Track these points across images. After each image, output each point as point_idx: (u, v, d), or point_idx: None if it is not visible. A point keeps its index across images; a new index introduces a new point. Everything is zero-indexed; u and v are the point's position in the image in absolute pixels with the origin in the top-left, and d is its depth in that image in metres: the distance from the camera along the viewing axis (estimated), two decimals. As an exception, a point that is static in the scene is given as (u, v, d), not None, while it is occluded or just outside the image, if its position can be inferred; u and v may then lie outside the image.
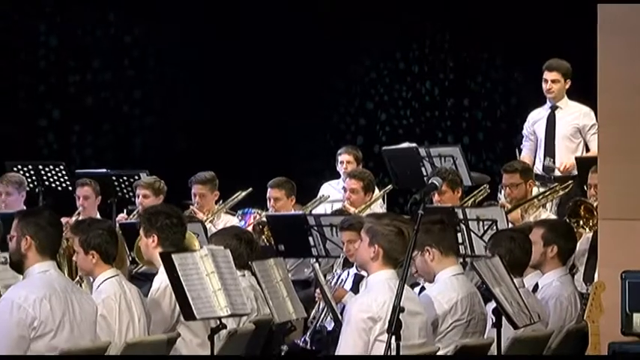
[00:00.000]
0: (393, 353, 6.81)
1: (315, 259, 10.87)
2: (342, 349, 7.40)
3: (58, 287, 7.58)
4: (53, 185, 14.56)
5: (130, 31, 17.68)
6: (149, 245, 8.55)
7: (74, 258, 8.36)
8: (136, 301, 8.15)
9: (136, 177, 13.49)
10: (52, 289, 7.53)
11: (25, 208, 12.57)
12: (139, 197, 12.63)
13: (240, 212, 12.62)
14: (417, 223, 7.22)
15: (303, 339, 9.84)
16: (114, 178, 14.00)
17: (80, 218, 11.80)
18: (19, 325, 7.39)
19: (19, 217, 7.85)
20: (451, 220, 8.92)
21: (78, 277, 8.54)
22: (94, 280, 8.23)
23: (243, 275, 8.58)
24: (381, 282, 7.42)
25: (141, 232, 8.62)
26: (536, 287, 8.72)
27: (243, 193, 12.73)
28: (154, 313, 8.27)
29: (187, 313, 7.91)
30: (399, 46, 17.16)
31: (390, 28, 16.86)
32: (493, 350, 7.67)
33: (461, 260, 8.80)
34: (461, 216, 10.19)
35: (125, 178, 13.93)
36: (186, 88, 16.88)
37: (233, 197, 12.72)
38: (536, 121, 12.53)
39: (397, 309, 6.83)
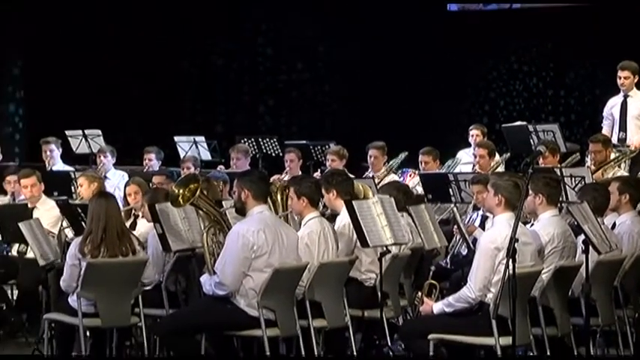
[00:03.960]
0: (511, 273, 6.71)
1: (453, 204, 10.76)
2: (474, 270, 7.27)
3: (270, 222, 7.63)
4: (269, 152, 14.66)
5: (322, 42, 17.75)
6: (330, 198, 8.51)
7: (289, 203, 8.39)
8: (330, 234, 8.14)
9: (327, 146, 13.49)
10: (266, 223, 7.58)
11: (249, 169, 12.70)
12: (328, 161, 12.61)
13: (400, 171, 12.57)
14: (527, 178, 7.14)
15: (444, 261, 9.76)
16: (311, 147, 14.04)
17: (288, 176, 11.84)
18: (243, 248, 7.45)
19: (238, 177, 7.96)
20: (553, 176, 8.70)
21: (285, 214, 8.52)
22: (301, 219, 8.23)
23: (402, 215, 8.52)
24: (503, 221, 7.29)
25: (322, 190, 8.60)
26: (614, 225, 8.51)
27: (402, 156, 12.65)
28: (340, 242, 8.27)
29: (363, 241, 7.93)
30: (513, 52, 17.01)
31: (506, 39, 16.73)
32: (582, 270, 7.53)
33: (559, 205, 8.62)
34: (559, 174, 10.01)
35: (319, 147, 13.95)
36: (363, 83, 16.87)
37: (394, 161, 12.64)
38: (612, 105, 12.25)
39: (513, 240, 6.73)
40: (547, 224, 7.80)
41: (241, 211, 7.72)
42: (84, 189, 10.02)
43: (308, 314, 7.74)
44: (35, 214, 9.90)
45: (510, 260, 6.67)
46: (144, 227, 9.01)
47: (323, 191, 8.51)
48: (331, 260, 8.05)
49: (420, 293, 7.99)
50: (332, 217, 8.75)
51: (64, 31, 17.25)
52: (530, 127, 12.52)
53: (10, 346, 9.69)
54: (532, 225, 7.98)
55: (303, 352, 7.67)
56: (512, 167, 13.17)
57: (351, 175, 9.85)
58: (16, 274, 10.03)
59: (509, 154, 12.65)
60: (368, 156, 12.50)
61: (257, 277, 7.47)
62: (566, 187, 9.95)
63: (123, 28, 17.21)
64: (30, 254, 9.39)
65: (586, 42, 15.90)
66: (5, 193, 11.01)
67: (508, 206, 7.35)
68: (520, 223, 7.03)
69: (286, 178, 11.31)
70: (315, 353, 7.75)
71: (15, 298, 10.20)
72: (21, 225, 8.81)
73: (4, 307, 10.05)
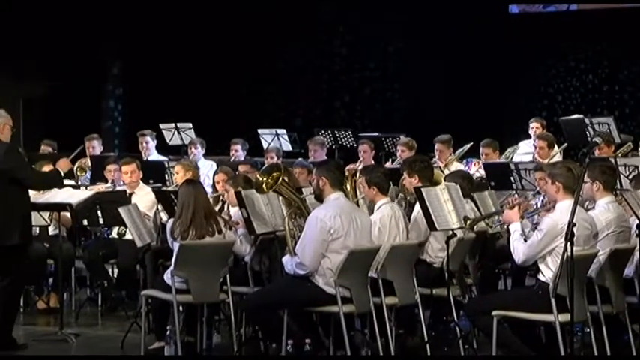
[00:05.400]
0: (568, 254, 6.61)
1: (514, 191, 10.65)
2: (534, 247, 7.16)
3: (346, 208, 7.61)
4: (344, 144, 14.64)
5: (392, 44, 17.71)
6: (412, 182, 8.43)
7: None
8: (401, 219, 8.10)
9: (397, 138, 13.41)
10: (342, 209, 7.56)
11: (326, 159, 12.68)
12: (399, 152, 12.55)
13: (465, 161, 12.47)
14: (585, 167, 7.04)
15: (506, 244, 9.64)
16: (383, 139, 13.97)
17: (362, 166, 11.79)
18: (321, 232, 7.44)
19: (316, 167, 7.99)
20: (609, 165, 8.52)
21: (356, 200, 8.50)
22: (373, 205, 8.19)
23: (467, 201, 8.44)
24: (564, 208, 7.14)
25: (405, 174, 8.56)
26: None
27: (467, 147, 12.53)
28: (416, 227, 8.23)
29: (431, 225, 7.88)
30: (570, 51, 16.85)
31: (563, 39, 16.56)
32: (636, 252, 7.40)
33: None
34: (613, 163, 9.86)
35: (390, 139, 13.88)
36: (430, 80, 16.78)
37: (460, 150, 12.53)
38: (664, 99, 12.10)
39: (571, 224, 6.62)
40: (604, 210, 7.65)
41: (319, 197, 7.72)
42: (180, 177, 10.07)
43: (381, 292, 7.71)
44: (133, 199, 9.99)
45: (568, 243, 6.57)
46: (232, 213, 9.04)
47: (405, 176, 8.47)
48: (402, 243, 8.02)
49: (512, 200, 7.70)
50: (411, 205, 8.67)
51: (159, 34, 17.43)
52: (587, 120, 12.37)
53: (111, 319, 9.82)
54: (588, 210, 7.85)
55: (376, 327, 7.66)
56: (570, 157, 13.04)
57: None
58: (116, 254, 10.15)
59: (565, 144, 12.51)
60: (435, 149, 12.43)
61: (334, 258, 7.46)
62: (620, 175, 9.80)
63: (212, 31, 17.35)
64: (128, 236, 9.49)
65: (638, 41, 15.67)
66: (106, 181, 11.14)
67: (567, 191, 7.22)
68: (580, 209, 6.92)
69: (360, 168, 11.27)
70: (388, 328, 7.73)
71: (115, 276, 10.31)
72: (120, 210, 8.90)
73: (106, 284, 10.17)
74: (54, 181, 8.80)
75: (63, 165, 8.89)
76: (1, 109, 8.56)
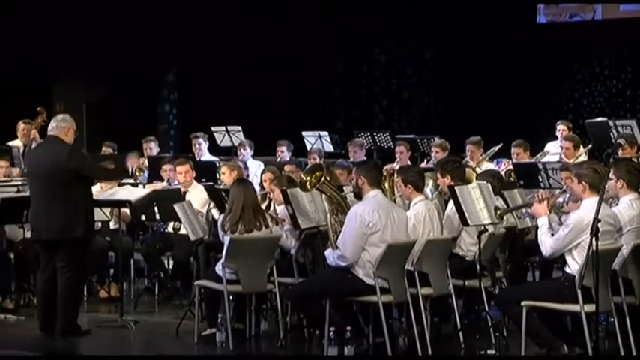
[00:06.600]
0: (593, 248, 6.55)
1: (542, 189, 10.57)
2: (560, 241, 7.11)
3: (383, 204, 7.65)
4: (382, 145, 14.59)
5: (427, 50, 17.66)
6: (445, 182, 8.39)
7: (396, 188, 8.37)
8: (435, 215, 8.09)
9: (432, 140, 13.36)
10: (380, 205, 7.58)
11: (365, 159, 12.65)
12: (433, 152, 12.49)
13: (495, 160, 12.39)
14: (609, 166, 6.99)
15: (534, 239, 9.58)
16: (418, 140, 13.92)
17: (398, 166, 11.76)
18: (361, 226, 7.46)
19: (356, 167, 8.04)
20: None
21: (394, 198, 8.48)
22: (409, 202, 8.19)
23: (497, 199, 8.40)
24: (590, 206, 7.05)
25: (438, 174, 8.54)
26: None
27: (497, 148, 12.45)
28: (449, 223, 8.20)
29: (464, 221, 7.84)
30: (595, 57, 16.69)
31: (588, 46, 16.47)
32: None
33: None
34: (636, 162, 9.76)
35: (425, 140, 13.82)
36: (464, 85, 16.69)
37: (490, 150, 12.45)
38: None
39: (595, 220, 6.57)
40: (627, 207, 7.55)
41: (358, 195, 7.73)
42: (226, 176, 10.14)
43: (417, 283, 7.70)
44: (187, 197, 10.05)
45: (593, 238, 6.51)
46: (278, 210, 9.06)
47: (439, 176, 8.45)
48: (437, 237, 8.00)
49: (541, 195, 7.65)
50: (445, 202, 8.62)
51: (211, 44, 17.51)
52: (610, 123, 12.24)
53: (166, 307, 9.88)
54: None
55: (412, 316, 7.65)
56: (594, 157, 12.92)
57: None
58: (171, 247, 10.22)
59: (590, 145, 12.40)
60: (466, 150, 12.36)
61: (373, 251, 7.47)
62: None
63: (259, 43, 17.39)
64: (183, 231, 9.54)
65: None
66: (162, 179, 11.21)
67: (593, 190, 7.16)
68: (604, 205, 6.86)
69: (397, 168, 11.25)
70: (423, 317, 7.72)
71: (171, 267, 10.38)
72: (175, 206, 8.95)
73: (162, 275, 10.23)
74: (116, 175, 9.23)
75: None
76: (66, 114, 8.67)
